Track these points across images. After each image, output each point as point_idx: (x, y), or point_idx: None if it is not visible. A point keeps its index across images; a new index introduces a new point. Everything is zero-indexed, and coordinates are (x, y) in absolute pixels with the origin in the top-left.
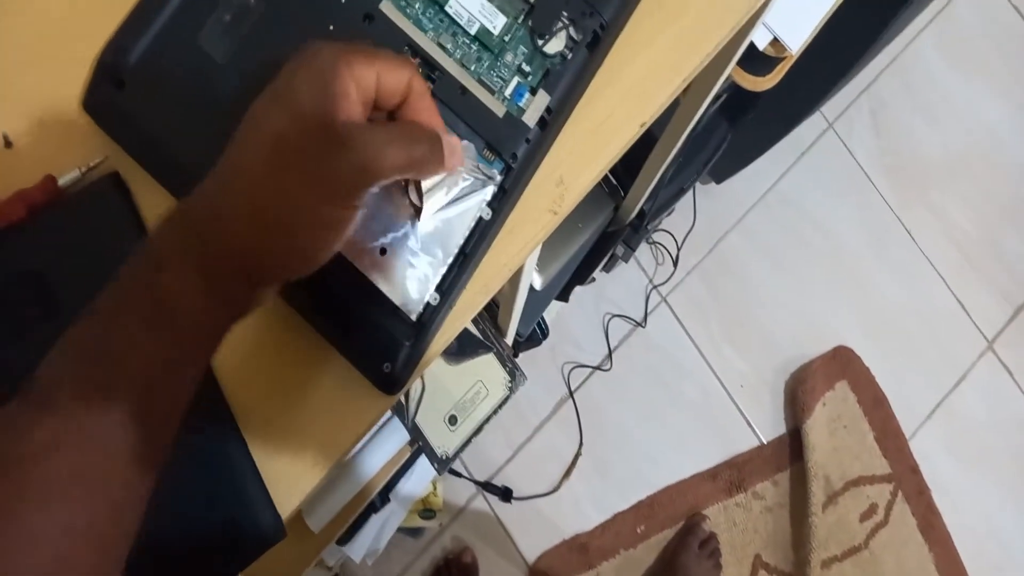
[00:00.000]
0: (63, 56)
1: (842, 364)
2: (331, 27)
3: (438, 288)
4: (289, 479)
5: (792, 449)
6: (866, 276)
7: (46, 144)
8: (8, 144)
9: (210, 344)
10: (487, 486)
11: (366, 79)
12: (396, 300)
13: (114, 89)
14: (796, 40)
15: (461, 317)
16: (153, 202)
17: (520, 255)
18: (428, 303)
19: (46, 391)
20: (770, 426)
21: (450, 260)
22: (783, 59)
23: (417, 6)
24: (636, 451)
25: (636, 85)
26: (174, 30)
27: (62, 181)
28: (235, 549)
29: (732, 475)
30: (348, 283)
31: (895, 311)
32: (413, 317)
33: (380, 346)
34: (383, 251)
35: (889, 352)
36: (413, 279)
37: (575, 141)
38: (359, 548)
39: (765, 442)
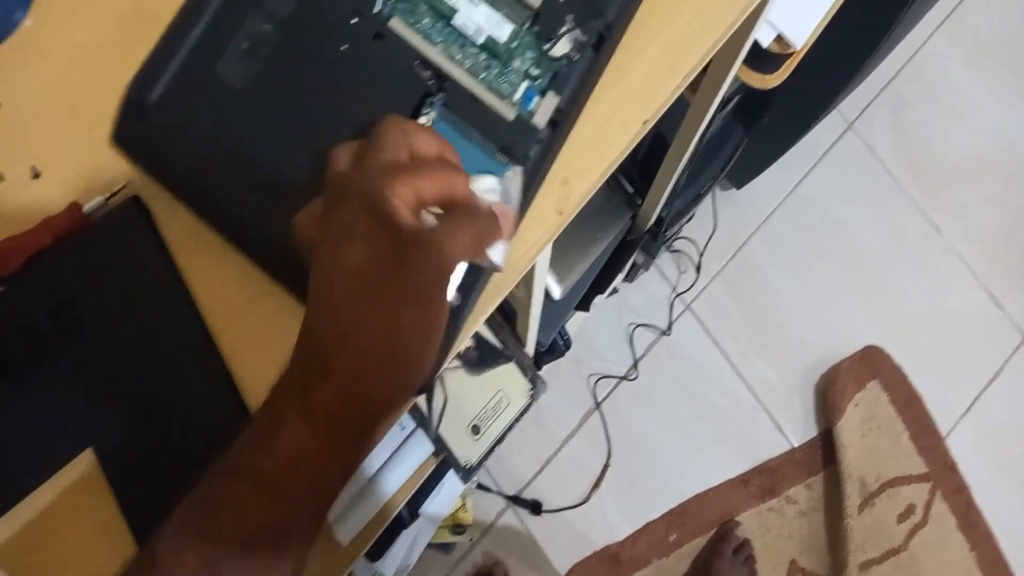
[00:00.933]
0: (91, 90)
1: (872, 364)
2: (343, 47)
3: (460, 288)
4: None
5: (824, 452)
6: (893, 275)
7: (73, 175)
8: (36, 175)
9: (324, 505)
10: (516, 500)
11: (409, 195)
12: None
13: (142, 122)
14: (800, 36)
15: (476, 320)
16: (175, 223)
17: (528, 256)
18: (451, 304)
19: (160, 559)
20: (801, 429)
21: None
22: (789, 55)
23: (425, 21)
24: (665, 460)
25: (638, 84)
26: (195, 61)
27: (87, 208)
28: None
29: (764, 480)
30: None
31: (925, 309)
32: None
33: None
34: None
35: (921, 350)
36: None
37: (579, 142)
38: (390, 564)
39: (796, 446)
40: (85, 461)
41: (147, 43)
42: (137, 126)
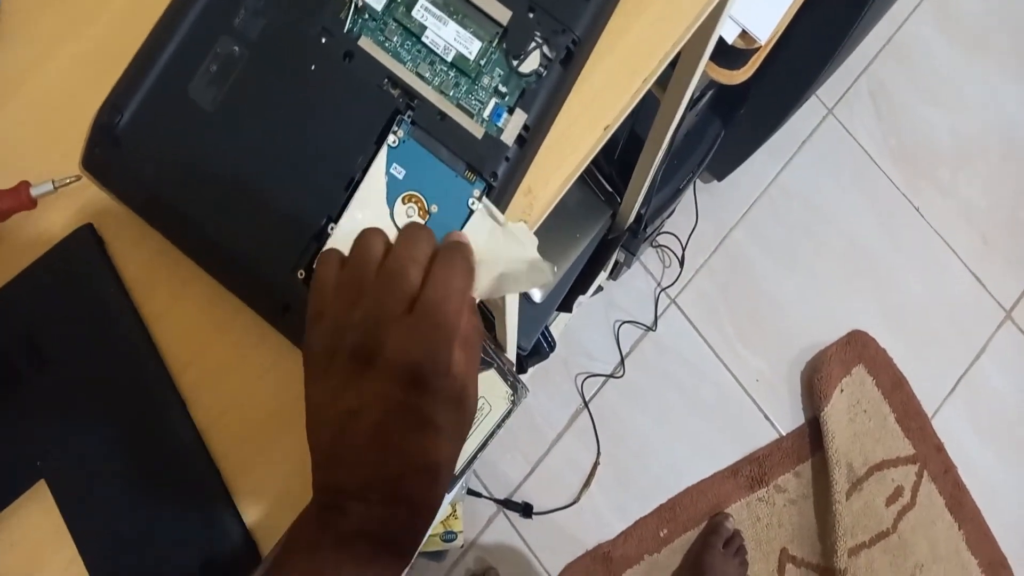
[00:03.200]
0: (61, 120)
1: (857, 349)
2: (312, 67)
3: None
4: (274, 517)
5: (812, 439)
6: (876, 259)
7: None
8: None
9: None
10: (507, 503)
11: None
12: None
13: (110, 147)
14: (764, 30)
15: None
16: (124, 246)
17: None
18: None
19: None
20: (788, 418)
21: None
22: (755, 50)
23: (395, 39)
24: (655, 456)
25: (598, 90)
26: (165, 85)
27: (35, 191)
28: None
29: (753, 470)
30: None
31: (908, 291)
32: None
33: None
34: None
35: (905, 332)
36: None
37: (542, 150)
38: None
39: (784, 434)
40: (38, 493)
41: (114, 74)
42: (106, 151)
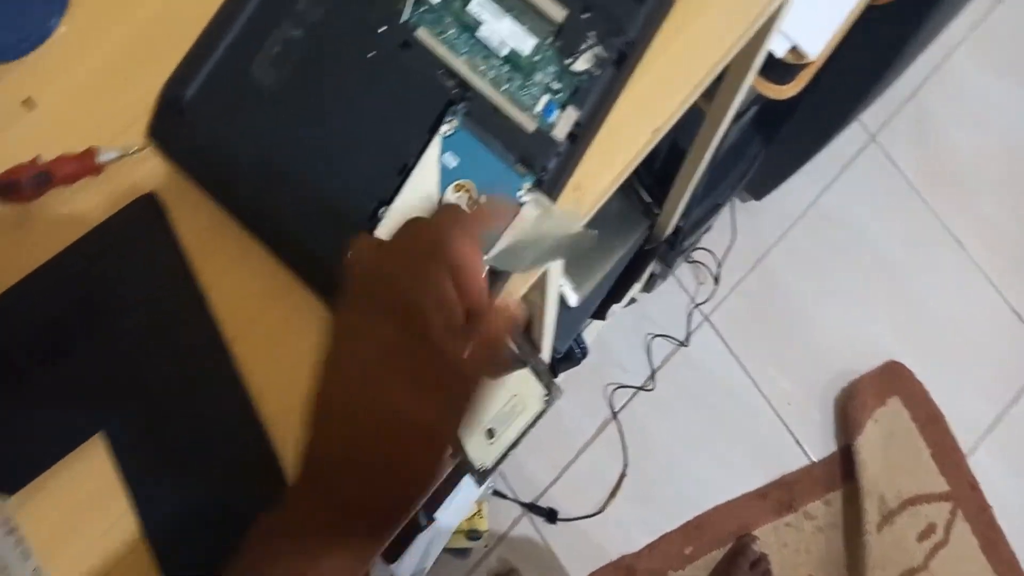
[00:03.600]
0: (123, 92)
1: (893, 379)
2: (370, 54)
3: None
4: None
5: (844, 467)
6: (915, 289)
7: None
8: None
9: None
10: (532, 507)
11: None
12: None
13: (176, 119)
14: (815, 46)
15: None
16: (195, 220)
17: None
18: None
19: None
20: (820, 444)
21: (486, 269)
22: (804, 66)
23: (451, 32)
24: (682, 471)
25: (649, 92)
26: (229, 63)
27: (102, 157)
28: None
29: (782, 495)
30: None
31: (947, 324)
32: None
33: None
34: None
35: (943, 366)
36: None
37: (592, 149)
38: (406, 567)
39: (815, 461)
40: (95, 445)
41: (177, 47)
42: (172, 122)
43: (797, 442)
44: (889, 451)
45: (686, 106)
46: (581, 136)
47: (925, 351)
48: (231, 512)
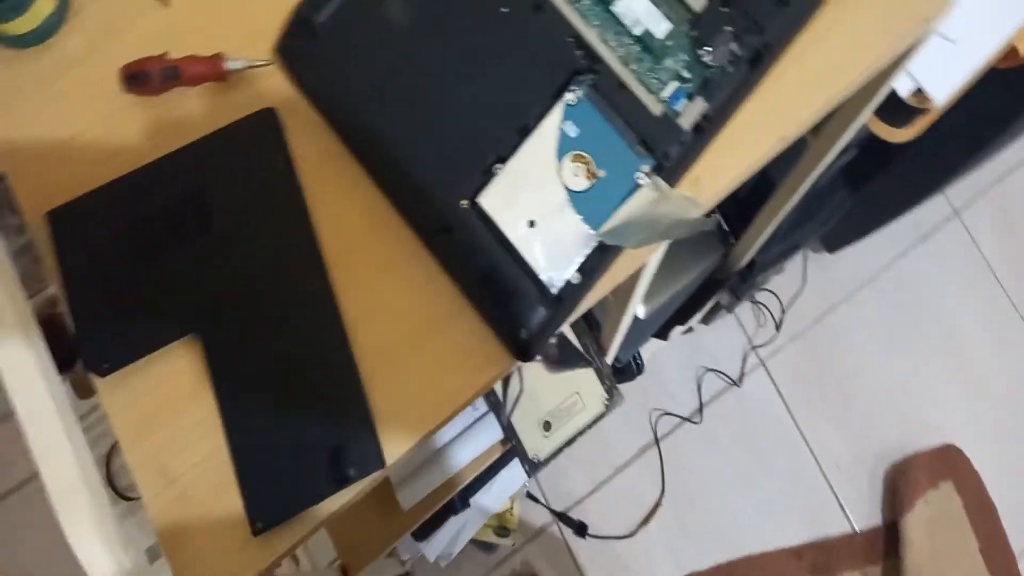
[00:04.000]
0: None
1: (949, 463)
2: (503, 9)
3: (580, 268)
4: (401, 426)
5: (887, 543)
6: (983, 374)
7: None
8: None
9: None
10: (563, 517)
11: None
12: (540, 273)
13: (306, 39)
14: (942, 92)
15: (587, 301)
16: (301, 136)
17: (645, 253)
18: (569, 281)
19: None
20: (865, 514)
21: (595, 244)
22: (923, 113)
23: (585, 1)
24: (718, 511)
25: (780, 98)
26: None
27: (228, 65)
28: (336, 472)
29: (818, 557)
30: (498, 248)
31: (1012, 416)
32: (554, 291)
33: (520, 313)
34: (532, 223)
35: (1002, 458)
36: (559, 255)
37: (714, 145)
38: (434, 548)
39: (858, 530)
40: (190, 345)
41: None
42: (301, 42)
43: (841, 507)
44: (936, 537)
45: (817, 118)
46: (707, 129)
47: (985, 438)
48: (312, 441)
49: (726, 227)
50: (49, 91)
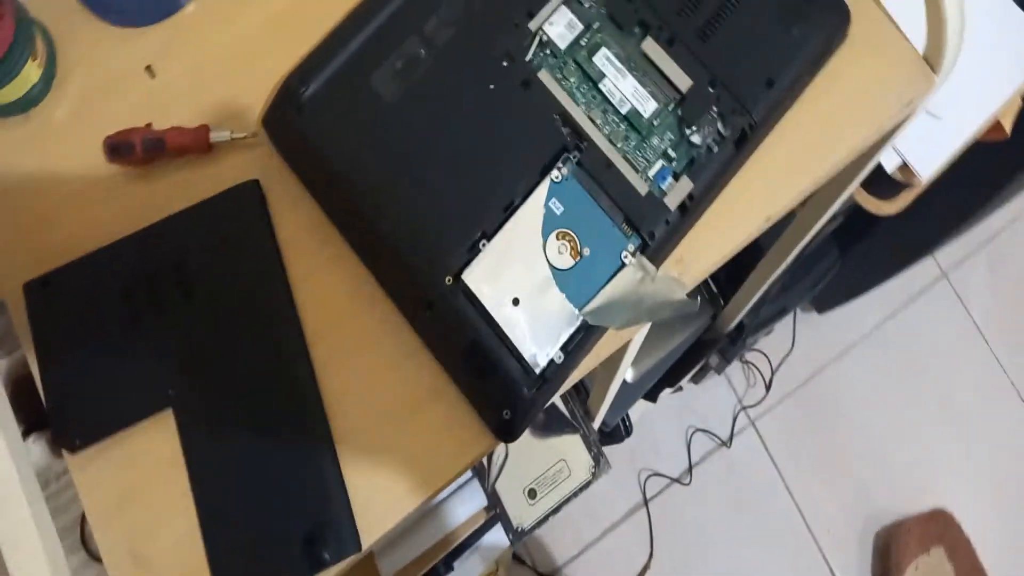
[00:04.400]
0: (241, 78)
1: (940, 528)
2: (491, 86)
3: (564, 347)
4: (379, 507)
5: None
6: (974, 438)
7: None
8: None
9: None
10: None
11: None
12: (524, 352)
13: (292, 113)
14: (927, 168)
15: (572, 379)
16: (284, 209)
17: (633, 329)
18: (552, 360)
19: None
20: None
21: (578, 323)
22: (910, 186)
23: (572, 80)
24: (708, 574)
25: (765, 178)
26: (352, 68)
27: (213, 136)
28: (312, 557)
29: None
30: (481, 325)
31: (1002, 480)
32: (537, 371)
33: (502, 392)
34: (516, 301)
35: (994, 523)
36: (543, 334)
37: (699, 225)
38: None
39: None
40: (165, 421)
41: (302, 43)
42: (286, 116)
43: (831, 570)
44: None
45: (802, 197)
46: (692, 209)
47: (976, 502)
48: (286, 524)
49: (715, 290)
50: (31, 159)
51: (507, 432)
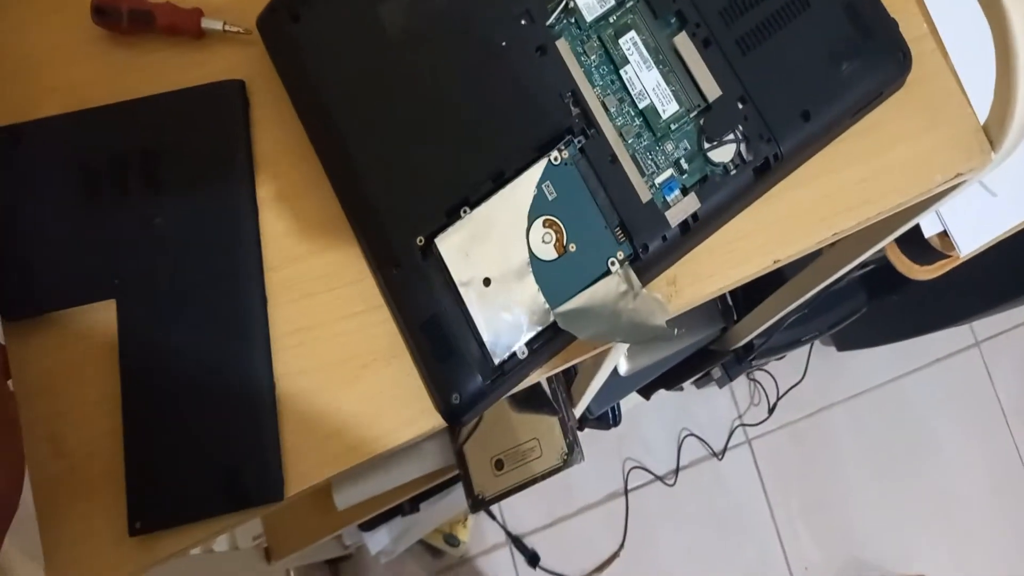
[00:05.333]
0: None
1: None
2: (504, 43)
3: (529, 343)
4: (309, 461)
5: None
6: (973, 520)
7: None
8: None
9: None
10: (517, 543)
11: None
12: (486, 338)
13: (288, 19)
14: (968, 243)
15: (534, 378)
16: (266, 120)
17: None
18: (515, 354)
19: None
20: None
21: (549, 321)
22: (947, 257)
23: (593, 58)
24: None
25: (781, 217)
26: None
27: (205, 23)
28: (231, 492)
29: None
30: (446, 297)
31: (993, 564)
32: (496, 361)
33: (455, 373)
34: (487, 281)
35: None
36: (509, 323)
37: (701, 248)
38: (377, 542)
39: None
40: (107, 313)
41: None
42: (282, 23)
43: None
44: None
45: (816, 247)
46: (694, 230)
47: None
48: (212, 454)
49: (730, 303)
50: (19, 5)
51: (453, 416)
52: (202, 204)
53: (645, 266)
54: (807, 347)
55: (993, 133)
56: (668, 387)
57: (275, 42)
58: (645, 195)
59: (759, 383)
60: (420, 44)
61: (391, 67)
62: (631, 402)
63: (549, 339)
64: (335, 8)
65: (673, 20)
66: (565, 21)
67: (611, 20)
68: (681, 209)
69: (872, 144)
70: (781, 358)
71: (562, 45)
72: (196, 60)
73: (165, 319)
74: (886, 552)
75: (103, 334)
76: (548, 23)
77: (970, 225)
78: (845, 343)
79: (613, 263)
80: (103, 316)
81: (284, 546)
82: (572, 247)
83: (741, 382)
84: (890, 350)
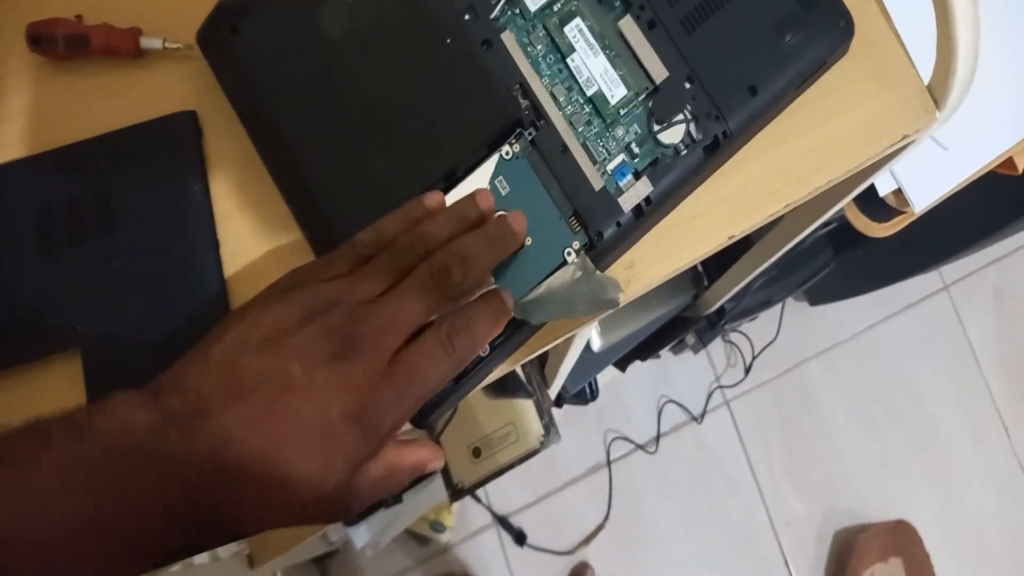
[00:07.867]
0: None
1: (902, 540)
2: (448, 40)
3: (491, 342)
4: None
5: None
6: (950, 460)
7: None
8: None
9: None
10: (503, 522)
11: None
12: None
13: (227, 32)
14: (922, 199)
15: (502, 367)
16: (222, 148)
17: (569, 328)
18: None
19: None
20: (808, 574)
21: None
22: (903, 213)
23: (539, 48)
24: (661, 545)
25: (733, 193)
26: None
27: (144, 42)
28: None
29: None
30: None
31: (972, 504)
32: None
33: None
34: None
35: (956, 544)
36: None
37: (657, 230)
38: (362, 535)
39: None
40: (70, 363)
41: None
42: (221, 35)
43: (785, 563)
44: None
45: (770, 219)
46: (648, 214)
47: (942, 523)
48: None
49: (700, 269)
50: None
51: (419, 417)
52: (159, 242)
53: (601, 253)
54: (779, 305)
55: (937, 92)
56: (643, 358)
57: (217, 56)
58: (597, 183)
59: (735, 344)
60: (363, 47)
61: (335, 73)
62: (608, 375)
63: (510, 334)
64: (274, 17)
65: (618, 4)
66: (509, 13)
67: (555, 8)
68: (634, 194)
69: (819, 113)
70: (754, 319)
71: (507, 37)
72: (138, 79)
73: (131, 366)
74: (869, 500)
75: (70, 387)
76: (492, 16)
77: (924, 181)
78: (817, 298)
79: (569, 253)
80: (68, 368)
81: (266, 551)
82: (528, 240)
83: (717, 344)
84: (861, 300)
